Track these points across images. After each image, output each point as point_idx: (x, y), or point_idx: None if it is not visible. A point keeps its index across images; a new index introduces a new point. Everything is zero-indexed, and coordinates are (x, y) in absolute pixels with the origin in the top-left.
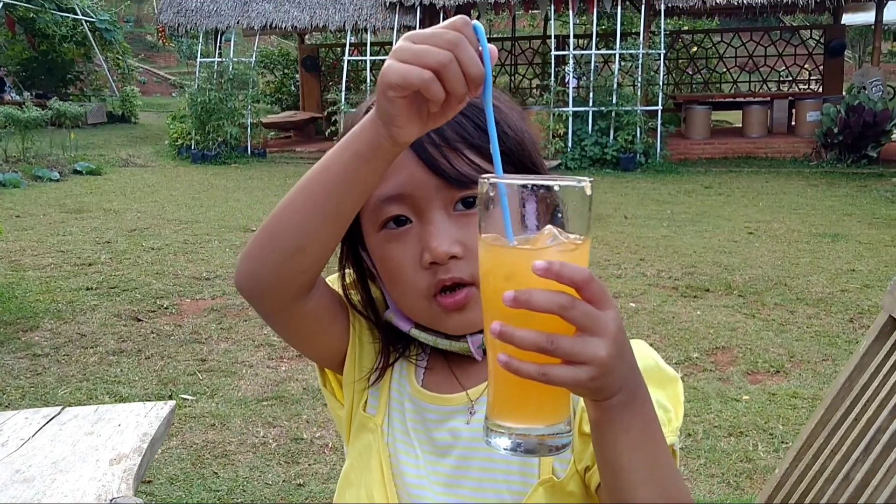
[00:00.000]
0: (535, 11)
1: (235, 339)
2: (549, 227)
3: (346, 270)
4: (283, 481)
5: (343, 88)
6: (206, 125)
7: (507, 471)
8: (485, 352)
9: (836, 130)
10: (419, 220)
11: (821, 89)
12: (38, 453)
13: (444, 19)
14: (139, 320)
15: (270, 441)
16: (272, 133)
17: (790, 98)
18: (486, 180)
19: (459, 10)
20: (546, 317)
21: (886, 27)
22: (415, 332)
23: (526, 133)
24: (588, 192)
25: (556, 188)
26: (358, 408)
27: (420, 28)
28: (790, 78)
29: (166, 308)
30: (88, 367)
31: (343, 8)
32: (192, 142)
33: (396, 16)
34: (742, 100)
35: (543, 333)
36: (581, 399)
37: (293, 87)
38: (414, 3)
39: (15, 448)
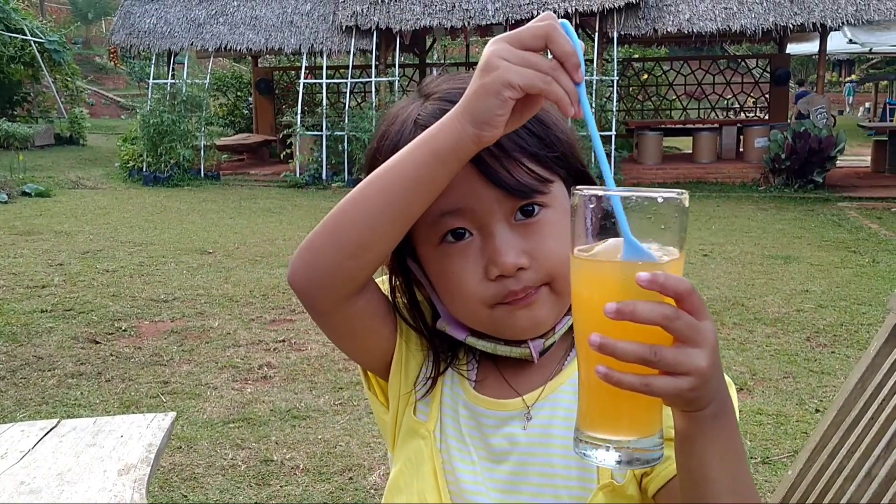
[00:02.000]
0: (490, 38)
1: (198, 361)
2: (648, 241)
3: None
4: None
5: (298, 111)
6: (158, 147)
7: (567, 476)
8: (541, 354)
9: (783, 156)
10: (481, 233)
11: (767, 117)
12: (42, 465)
13: (400, 44)
14: (97, 343)
15: (239, 463)
16: (225, 155)
17: (738, 125)
18: (578, 192)
19: (416, 34)
20: (642, 329)
21: (828, 57)
22: (471, 340)
23: (574, 136)
24: (686, 204)
25: (659, 200)
26: (406, 412)
27: (375, 51)
28: (737, 105)
29: (125, 330)
30: (47, 390)
31: (299, 31)
32: (144, 164)
33: (353, 39)
34: (692, 126)
35: (646, 345)
36: None
37: (246, 110)
38: (370, 28)
39: (16, 460)
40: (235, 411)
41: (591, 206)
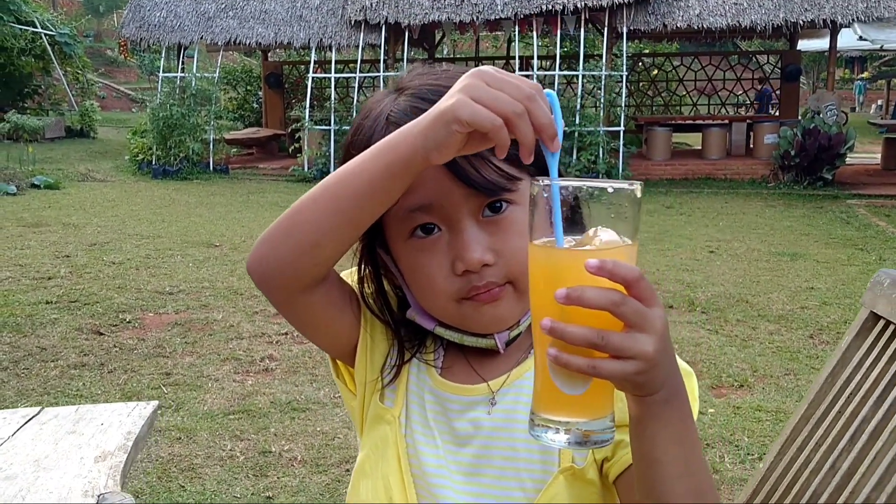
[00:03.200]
0: (499, 33)
1: (200, 353)
2: (599, 228)
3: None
4: (252, 494)
5: (307, 106)
6: (167, 140)
7: (529, 459)
8: (507, 344)
9: (792, 153)
10: (449, 228)
11: (777, 113)
12: (20, 452)
13: (409, 38)
14: (101, 334)
15: (238, 454)
16: (234, 149)
17: (748, 121)
18: (538, 183)
19: (424, 29)
20: (593, 314)
21: (839, 54)
22: (439, 330)
23: None
24: (638, 195)
25: (610, 190)
26: (373, 399)
27: (384, 46)
28: (748, 102)
29: (129, 322)
30: (49, 381)
31: (308, 25)
32: (154, 157)
33: (361, 34)
34: (701, 122)
35: (594, 329)
36: None
37: (256, 104)
38: (379, 22)
39: None
40: (236, 403)
41: (546, 195)
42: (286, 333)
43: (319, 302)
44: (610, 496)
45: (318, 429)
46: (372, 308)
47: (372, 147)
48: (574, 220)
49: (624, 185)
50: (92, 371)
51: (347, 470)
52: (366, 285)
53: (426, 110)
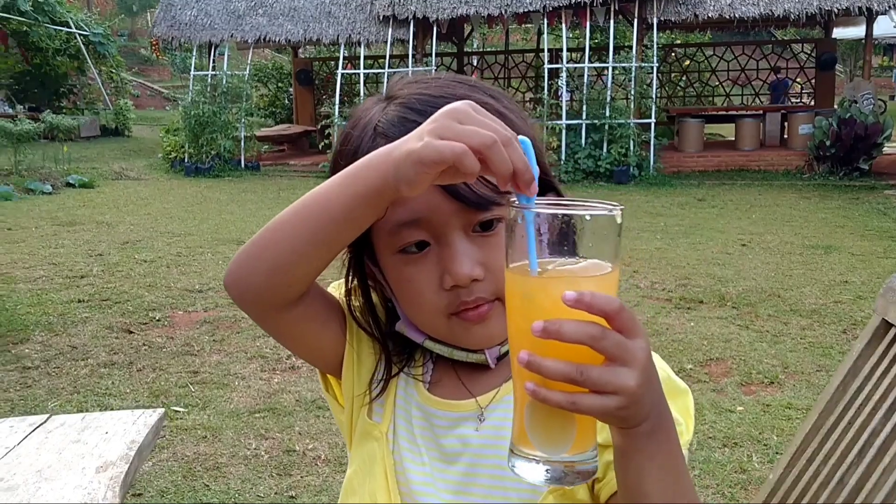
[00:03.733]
0: (529, 25)
1: (228, 352)
2: (577, 255)
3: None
4: (275, 493)
5: (337, 102)
6: (199, 138)
7: (518, 478)
8: (499, 359)
9: (828, 143)
10: (437, 242)
11: (812, 103)
12: (24, 461)
13: (437, 33)
14: (131, 332)
15: (262, 453)
16: (266, 146)
17: (782, 111)
18: (513, 207)
19: (453, 23)
20: (572, 346)
21: (876, 41)
22: (429, 344)
23: (540, 144)
24: (618, 220)
25: (587, 217)
26: (361, 414)
27: (413, 41)
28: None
29: (158, 320)
30: (79, 380)
31: (336, 22)
32: (186, 155)
33: (390, 29)
34: (734, 113)
35: (573, 364)
36: None
37: (287, 101)
38: (407, 17)
39: None
40: (262, 401)
41: (520, 221)
42: None
43: (299, 317)
44: None
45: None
46: (359, 321)
47: (346, 171)
48: (551, 246)
49: (602, 210)
50: (121, 370)
51: None
52: (353, 298)
53: (415, 121)
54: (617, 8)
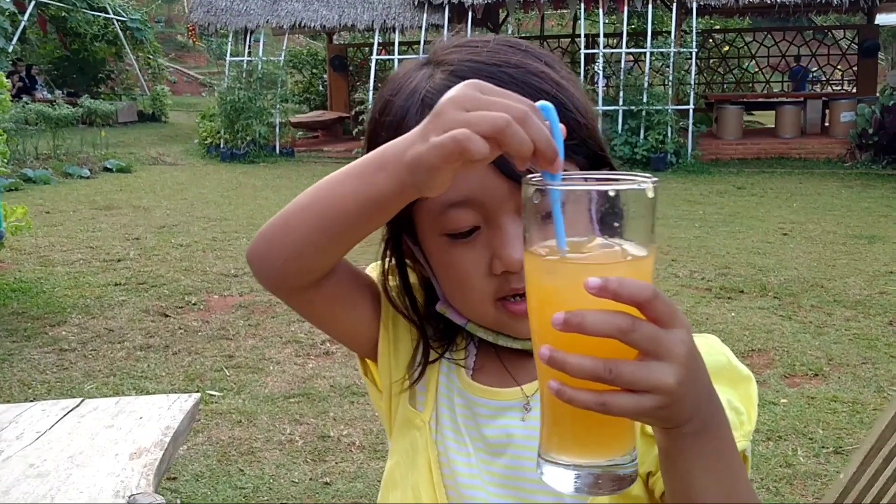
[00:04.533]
0: (565, 11)
1: (263, 336)
2: (603, 239)
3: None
4: (310, 479)
5: (371, 88)
6: (235, 124)
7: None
8: None
9: (870, 131)
10: (488, 225)
11: (854, 90)
12: (55, 447)
13: (472, 18)
14: (167, 316)
15: (297, 438)
16: (300, 132)
17: (824, 98)
18: (530, 183)
19: (488, 8)
20: (600, 339)
21: None
22: (471, 327)
23: (594, 117)
24: (650, 194)
25: (611, 193)
26: (402, 401)
27: (448, 26)
28: (823, 78)
29: (194, 304)
30: (115, 363)
31: (371, 7)
32: (222, 140)
33: (424, 14)
34: (775, 100)
35: (601, 360)
36: None
37: (321, 87)
38: (442, 2)
39: (30, 441)
40: (296, 386)
41: (537, 200)
42: None
43: (326, 298)
44: None
45: (377, 414)
46: (396, 304)
47: (359, 168)
48: (575, 227)
49: (632, 184)
50: (157, 353)
51: None
52: (389, 278)
53: None
54: None
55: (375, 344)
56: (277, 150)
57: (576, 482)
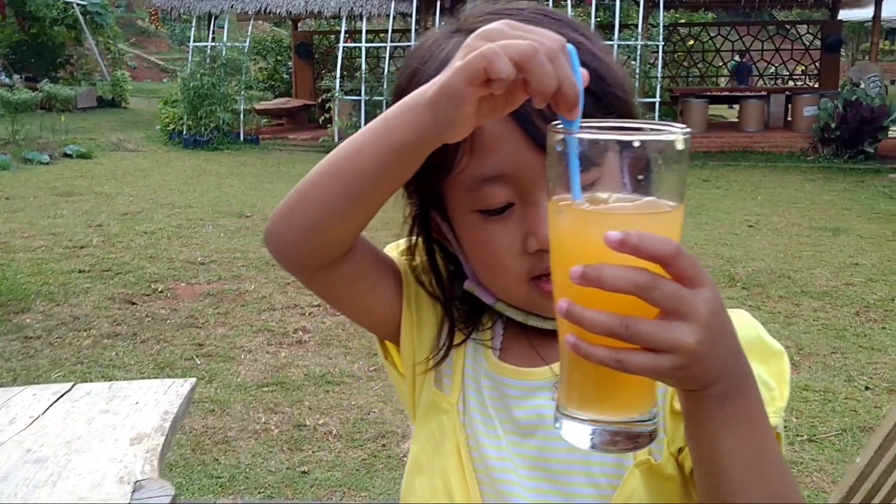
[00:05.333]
0: (534, 2)
1: (233, 325)
2: (629, 191)
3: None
4: (287, 468)
5: (338, 76)
6: (198, 110)
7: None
8: None
9: (833, 126)
10: (522, 202)
11: (817, 85)
12: (50, 432)
13: (441, 6)
14: (133, 304)
15: (272, 427)
16: (265, 120)
17: (787, 93)
18: (555, 131)
19: None
20: (620, 295)
21: (883, 23)
22: (500, 306)
23: (632, 91)
24: (680, 146)
25: (636, 143)
26: (426, 384)
27: (416, 15)
28: (786, 73)
29: (161, 292)
30: (82, 351)
31: None
32: (184, 127)
33: (392, 3)
34: (739, 94)
35: (618, 316)
36: None
37: (286, 74)
38: None
39: (24, 426)
40: (269, 375)
41: (560, 149)
42: (318, 305)
43: (346, 277)
44: (695, 491)
45: (353, 402)
46: (421, 282)
47: (378, 121)
48: (600, 179)
49: (661, 135)
50: (125, 341)
51: (384, 445)
52: (415, 256)
53: None
54: None
55: (397, 326)
56: (242, 138)
57: (592, 438)
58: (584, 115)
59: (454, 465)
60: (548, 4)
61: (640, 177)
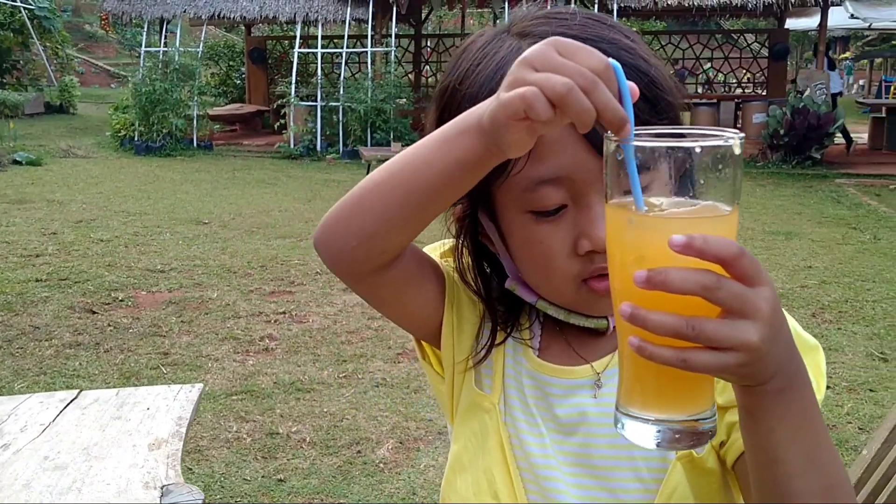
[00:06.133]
0: (487, 10)
1: (198, 333)
2: (687, 196)
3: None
4: (262, 477)
5: (293, 82)
6: (150, 116)
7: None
8: None
9: (781, 132)
10: (576, 204)
11: (765, 92)
12: (65, 439)
13: (397, 13)
14: (94, 313)
15: (244, 436)
16: (218, 126)
17: (736, 100)
18: (611, 138)
19: (412, 4)
20: (683, 297)
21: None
22: (542, 305)
23: (681, 95)
24: (737, 150)
25: (696, 150)
26: (466, 384)
27: (372, 21)
28: (735, 81)
29: (122, 301)
30: (45, 361)
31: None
32: (136, 133)
33: (348, 9)
34: (689, 101)
35: (683, 318)
36: None
37: (238, 80)
38: None
39: (37, 433)
40: (238, 383)
41: (619, 157)
42: (284, 313)
43: (393, 280)
44: (733, 484)
45: (325, 409)
46: (468, 281)
47: (441, 133)
48: (655, 186)
49: (717, 140)
50: (87, 350)
51: (359, 451)
52: (461, 257)
53: None
54: None
55: (437, 327)
56: (195, 144)
57: (657, 437)
58: (640, 122)
59: (498, 462)
60: (503, 11)
61: (699, 181)
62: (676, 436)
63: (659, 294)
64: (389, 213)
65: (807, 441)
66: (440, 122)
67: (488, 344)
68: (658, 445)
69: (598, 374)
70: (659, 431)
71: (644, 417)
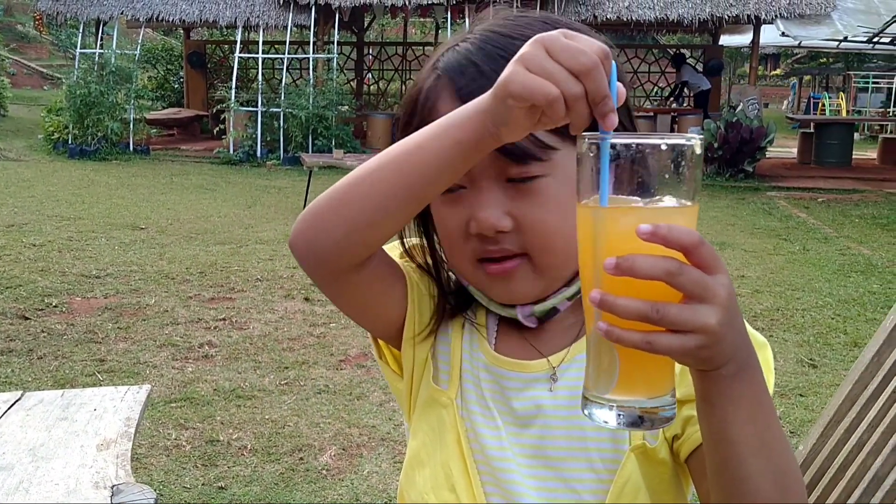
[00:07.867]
0: (429, 20)
1: (135, 339)
2: (654, 192)
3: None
4: (203, 485)
5: (233, 87)
6: (85, 119)
7: (598, 438)
8: (539, 320)
9: (716, 146)
10: (472, 186)
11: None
12: (10, 439)
13: (339, 20)
14: (27, 318)
15: (184, 444)
16: (155, 130)
17: (672, 114)
18: (584, 138)
19: (355, 11)
20: (648, 284)
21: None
22: (472, 289)
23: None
24: (698, 150)
25: (663, 147)
26: (424, 381)
27: (314, 27)
28: (670, 95)
29: (55, 306)
30: None
31: (234, 4)
32: (70, 136)
33: (290, 14)
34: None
35: (648, 302)
36: None
37: (176, 84)
38: (308, 3)
39: None
40: (177, 390)
41: (592, 154)
42: (223, 319)
43: (365, 280)
44: (683, 477)
45: (267, 416)
46: (415, 259)
47: (437, 122)
48: (625, 181)
49: (680, 139)
50: (20, 357)
51: (301, 458)
52: (417, 239)
53: (475, 64)
54: (519, 5)
55: (399, 327)
56: (131, 148)
57: (620, 418)
58: (591, 130)
59: (455, 456)
60: (446, 21)
61: (666, 177)
62: (639, 418)
63: (626, 281)
64: (381, 203)
65: (758, 423)
66: (407, 126)
67: (441, 311)
68: (620, 425)
69: (554, 368)
70: (621, 414)
71: (609, 401)
